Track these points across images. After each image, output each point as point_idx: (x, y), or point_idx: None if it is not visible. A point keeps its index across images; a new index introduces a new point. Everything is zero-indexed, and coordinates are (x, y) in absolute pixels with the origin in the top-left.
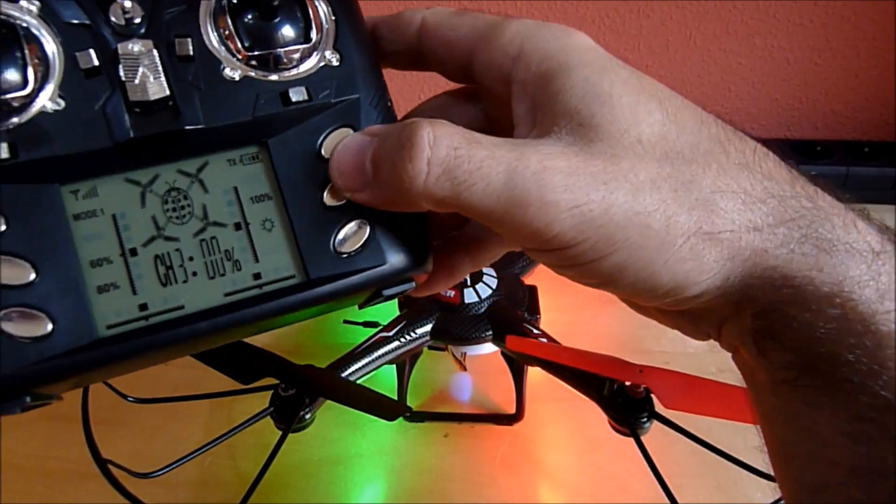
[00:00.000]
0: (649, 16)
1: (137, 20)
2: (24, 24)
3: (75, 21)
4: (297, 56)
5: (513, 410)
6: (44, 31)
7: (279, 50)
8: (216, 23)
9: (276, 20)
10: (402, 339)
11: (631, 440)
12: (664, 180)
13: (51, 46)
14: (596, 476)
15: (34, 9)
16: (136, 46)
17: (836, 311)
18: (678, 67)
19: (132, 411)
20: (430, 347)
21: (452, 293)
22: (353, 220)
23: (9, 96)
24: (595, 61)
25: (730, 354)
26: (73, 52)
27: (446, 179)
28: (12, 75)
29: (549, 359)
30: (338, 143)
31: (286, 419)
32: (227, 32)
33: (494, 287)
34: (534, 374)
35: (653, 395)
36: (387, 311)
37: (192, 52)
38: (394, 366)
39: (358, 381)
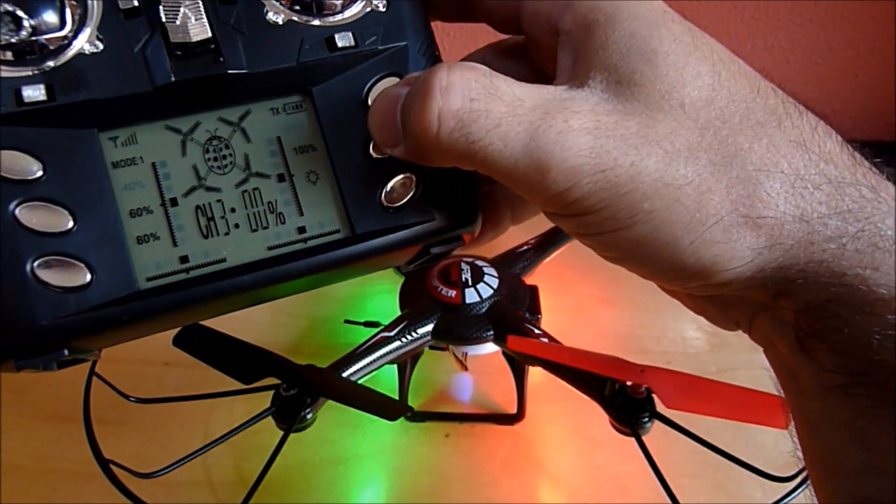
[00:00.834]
0: None
1: None
2: None
3: None
4: (342, 1)
5: (514, 410)
6: None
7: None
8: None
9: None
10: (404, 339)
11: (632, 440)
12: (703, 150)
13: None
14: (597, 476)
15: None
16: None
17: (894, 318)
18: None
19: (133, 411)
20: (431, 347)
21: (453, 293)
22: (400, 174)
23: (46, 37)
24: (646, 14)
25: (722, 355)
26: None
27: (460, 135)
28: (49, 16)
29: (551, 359)
30: (380, 93)
31: (287, 419)
32: None
33: (496, 287)
34: (535, 373)
35: (654, 395)
36: (388, 311)
37: None
38: (395, 366)
39: (359, 381)
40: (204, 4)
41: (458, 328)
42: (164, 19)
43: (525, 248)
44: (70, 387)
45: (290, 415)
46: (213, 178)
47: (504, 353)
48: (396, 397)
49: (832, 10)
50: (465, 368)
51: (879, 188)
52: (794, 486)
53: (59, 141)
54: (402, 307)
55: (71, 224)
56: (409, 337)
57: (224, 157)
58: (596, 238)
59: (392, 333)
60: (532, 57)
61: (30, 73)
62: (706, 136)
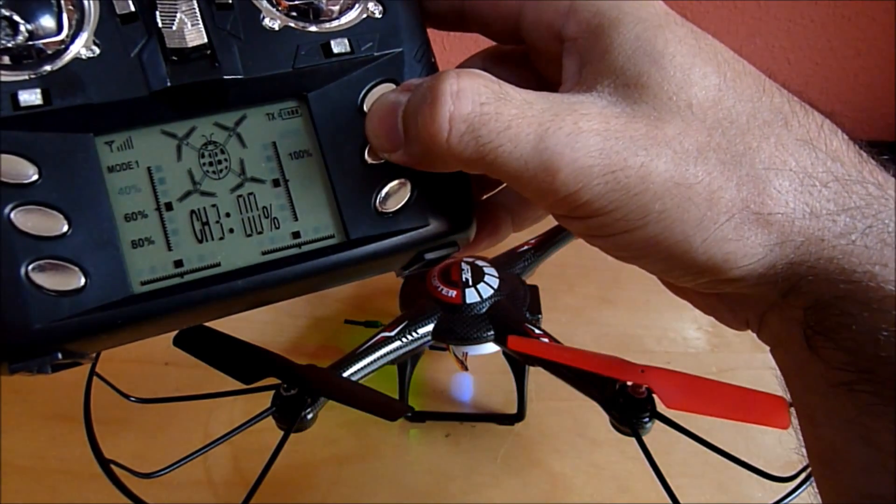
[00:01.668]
0: None
1: None
2: None
3: None
4: (338, 7)
5: (514, 410)
6: None
7: (320, 0)
8: None
9: None
10: (404, 340)
11: (632, 440)
12: (713, 150)
13: None
14: (597, 476)
15: None
16: None
17: None
18: None
19: (133, 411)
20: (431, 347)
21: (454, 293)
22: (395, 180)
23: (42, 42)
24: (650, 17)
25: (722, 355)
26: None
27: (470, 138)
28: (46, 21)
29: (551, 359)
30: (377, 98)
31: (288, 419)
32: None
33: (496, 287)
34: (535, 374)
35: (654, 395)
36: (388, 311)
37: (230, 0)
38: (395, 366)
39: (359, 381)
40: (200, 10)
41: (458, 328)
42: (160, 24)
43: (525, 248)
44: (70, 386)
45: (290, 415)
46: (208, 182)
47: (504, 353)
48: (397, 397)
49: (832, 10)
50: (466, 368)
51: (886, 185)
52: (794, 486)
53: (54, 145)
54: (402, 307)
55: (66, 228)
56: (410, 337)
57: (219, 161)
58: (607, 239)
59: (392, 333)
60: (534, 64)
61: (26, 78)
62: (715, 136)
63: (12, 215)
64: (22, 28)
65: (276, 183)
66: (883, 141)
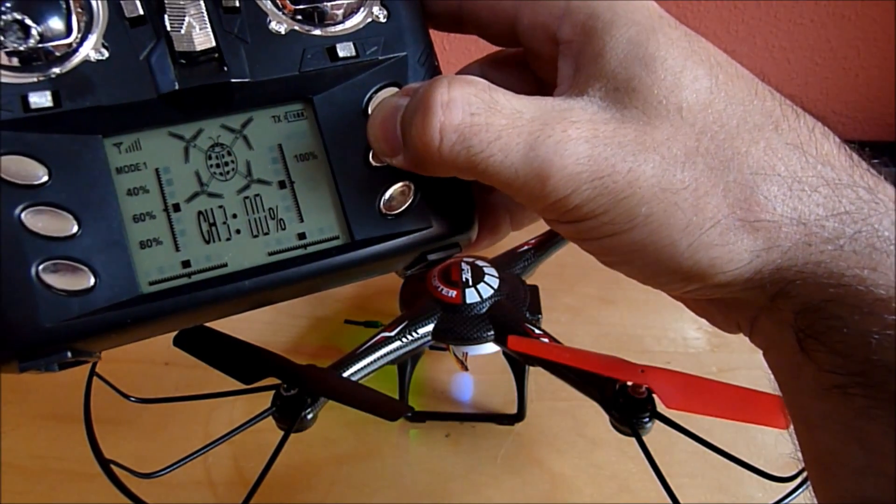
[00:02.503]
0: None
1: None
2: None
3: None
4: (343, 11)
5: (514, 410)
6: None
7: (326, 4)
8: None
9: None
10: (404, 340)
11: (633, 440)
12: (701, 155)
13: None
14: (597, 476)
15: None
16: None
17: (893, 318)
18: None
19: (133, 411)
20: (431, 347)
21: (454, 293)
22: (399, 182)
23: (52, 44)
24: (643, 20)
25: (722, 355)
26: (117, 1)
27: (461, 148)
28: (56, 23)
29: (551, 359)
30: (380, 102)
31: (288, 419)
32: None
33: (496, 287)
34: (535, 374)
35: (654, 395)
36: (388, 311)
37: (237, 4)
38: (395, 366)
39: (359, 382)
40: (208, 14)
41: (458, 328)
42: (168, 28)
43: (525, 248)
44: (70, 387)
45: (290, 415)
46: (215, 184)
47: (504, 353)
48: (397, 397)
49: (832, 10)
50: (466, 368)
51: (877, 189)
52: (794, 487)
53: (64, 146)
54: (402, 307)
55: (75, 229)
56: (410, 337)
57: (226, 163)
58: (595, 243)
59: (392, 333)
60: (532, 66)
61: (36, 80)
62: (703, 141)
63: (23, 216)
64: (32, 31)
65: (281, 185)
66: (883, 141)
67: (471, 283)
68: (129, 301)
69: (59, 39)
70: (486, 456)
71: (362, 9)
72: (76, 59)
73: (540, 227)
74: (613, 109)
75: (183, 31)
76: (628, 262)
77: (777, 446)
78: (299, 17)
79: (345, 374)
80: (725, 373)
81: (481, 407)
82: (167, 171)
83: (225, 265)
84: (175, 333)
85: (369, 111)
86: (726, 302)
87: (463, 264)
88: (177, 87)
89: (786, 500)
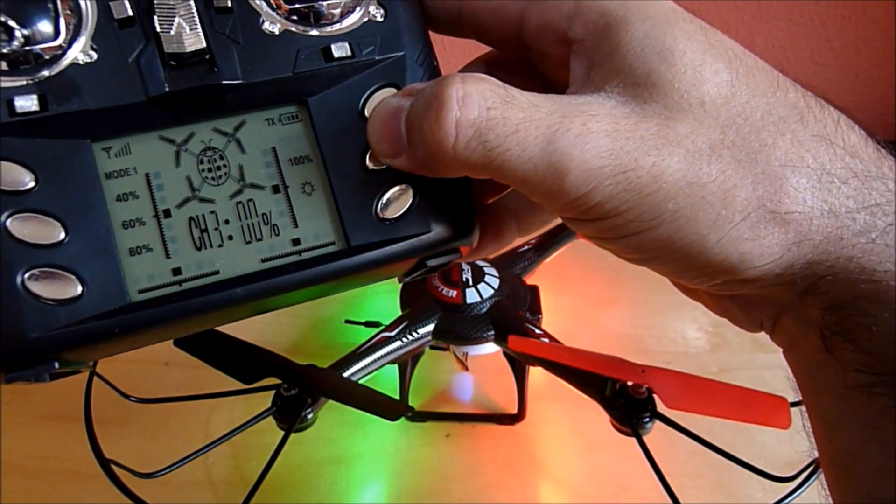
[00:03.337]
0: None
1: None
2: None
3: None
4: (339, 11)
5: (514, 410)
6: None
7: (321, 3)
8: None
9: None
10: (404, 339)
11: (633, 440)
12: (726, 148)
13: None
14: (598, 476)
15: None
16: None
17: None
18: None
19: (134, 411)
20: (431, 347)
21: (454, 293)
22: (396, 186)
23: (39, 47)
24: (658, 15)
25: (723, 355)
26: (106, 2)
27: (477, 143)
28: (44, 26)
29: (551, 359)
30: (378, 103)
31: (288, 419)
32: None
33: (496, 287)
34: (535, 373)
35: (655, 395)
36: (388, 311)
37: (229, 4)
38: (395, 366)
39: (360, 381)
40: (199, 14)
41: (458, 328)
42: (158, 29)
43: (526, 247)
44: (70, 387)
45: (290, 415)
46: (207, 189)
47: (505, 353)
48: (397, 397)
49: (832, 10)
50: (466, 368)
51: None
52: (794, 487)
53: (51, 151)
54: (402, 307)
55: (62, 235)
56: (410, 337)
57: (218, 167)
58: (619, 241)
59: (393, 333)
60: (539, 68)
61: (23, 83)
62: (728, 134)
63: (8, 223)
64: (17, 34)
65: (275, 189)
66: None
67: (471, 283)
68: (117, 310)
69: (47, 42)
70: (486, 456)
71: (359, 8)
72: (64, 61)
73: None
74: (633, 104)
75: (172, 32)
76: (655, 258)
77: (777, 446)
78: (294, 16)
79: (345, 374)
80: (726, 373)
81: (481, 407)
82: (157, 176)
83: (217, 272)
84: None
85: (366, 113)
86: (750, 299)
87: (463, 264)
88: (167, 90)
89: (786, 500)
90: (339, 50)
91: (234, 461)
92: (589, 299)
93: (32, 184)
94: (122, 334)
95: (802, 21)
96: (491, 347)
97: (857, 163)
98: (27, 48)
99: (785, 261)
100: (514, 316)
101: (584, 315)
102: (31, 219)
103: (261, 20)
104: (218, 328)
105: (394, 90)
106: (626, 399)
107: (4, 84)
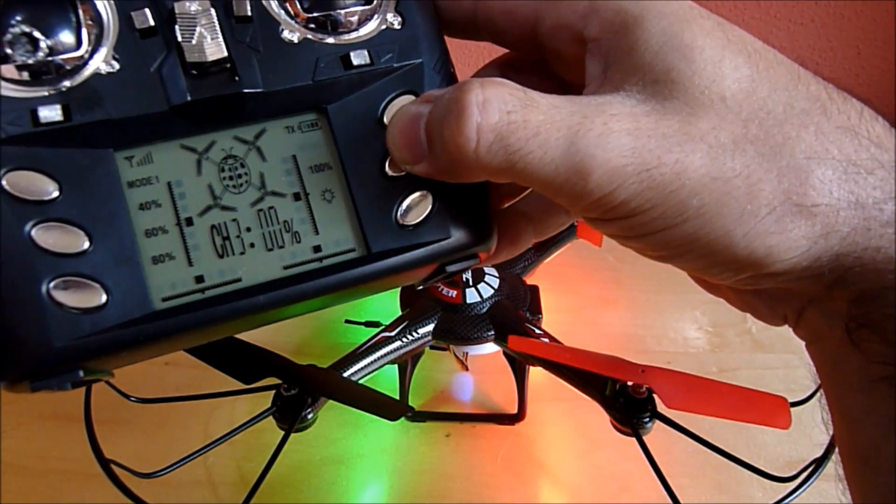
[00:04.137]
0: None
1: None
2: None
3: None
4: (357, 18)
5: (514, 410)
6: None
7: (339, 12)
8: None
9: None
10: (404, 339)
11: (633, 440)
12: (750, 142)
13: (105, 6)
14: (598, 476)
15: None
16: (193, 5)
17: None
18: None
19: (134, 411)
20: (431, 347)
21: (454, 293)
22: (416, 192)
23: (62, 57)
24: (675, 11)
25: (723, 355)
26: (128, 12)
27: (499, 147)
28: (66, 36)
29: (551, 359)
30: (397, 110)
31: (288, 419)
32: None
33: (496, 287)
34: (535, 373)
35: (655, 395)
36: (389, 310)
37: (249, 13)
38: (395, 366)
39: (360, 381)
40: (220, 23)
41: (458, 328)
42: (180, 39)
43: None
44: None
45: (291, 415)
46: (228, 197)
47: (505, 353)
48: (397, 397)
49: (832, 10)
50: (466, 368)
51: None
52: (794, 487)
53: (75, 161)
54: (402, 307)
55: (87, 245)
56: (410, 337)
57: (239, 175)
58: (644, 239)
59: (393, 333)
60: (554, 69)
61: (46, 94)
62: (751, 128)
63: (33, 232)
64: (42, 45)
65: (296, 196)
66: None
67: (471, 283)
68: (141, 318)
69: (69, 52)
70: (486, 456)
71: (376, 16)
72: (86, 71)
73: None
74: (653, 102)
75: (194, 42)
76: (680, 255)
77: (777, 446)
78: (312, 25)
79: (345, 374)
80: (726, 373)
81: (481, 407)
82: (179, 185)
83: (239, 280)
84: None
85: (385, 120)
86: (775, 293)
87: None
88: (188, 99)
89: (786, 500)
90: (358, 58)
91: (234, 461)
92: (589, 299)
93: (56, 193)
94: (147, 342)
95: (802, 21)
96: (491, 347)
97: (883, 153)
98: (50, 58)
99: (812, 253)
100: (514, 316)
101: (584, 315)
102: (55, 228)
103: (280, 29)
104: None
105: (412, 97)
106: (627, 399)
107: (28, 94)
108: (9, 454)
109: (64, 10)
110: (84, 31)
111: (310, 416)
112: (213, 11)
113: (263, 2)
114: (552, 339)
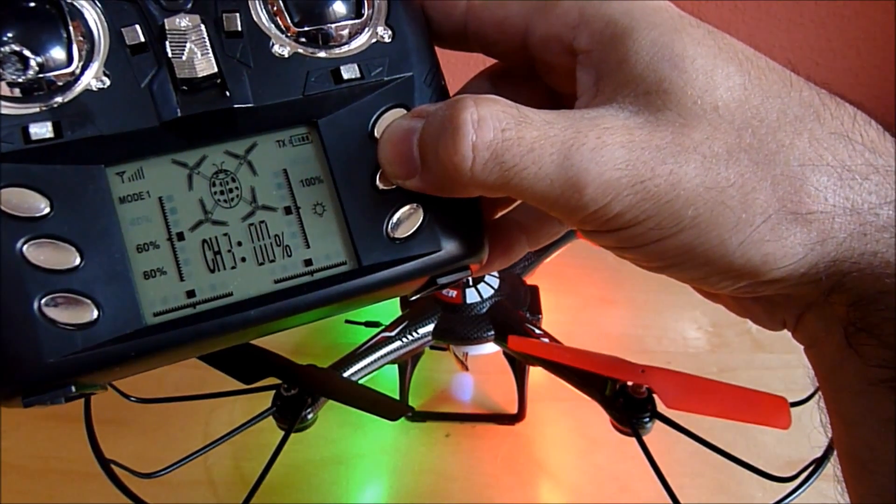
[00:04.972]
0: None
1: None
2: (69, 0)
3: None
4: (347, 32)
5: (514, 410)
6: (88, 7)
7: (330, 26)
8: None
9: None
10: (404, 339)
11: (633, 440)
12: (744, 151)
13: (96, 22)
14: (598, 476)
15: None
16: (183, 21)
17: None
18: None
19: (134, 411)
20: (431, 347)
21: (454, 293)
22: (407, 205)
23: (53, 74)
24: (665, 21)
25: (723, 355)
26: (118, 28)
27: (494, 164)
28: (57, 53)
29: (551, 359)
30: (388, 125)
31: (288, 419)
32: (275, 8)
33: (496, 287)
34: (535, 374)
35: (655, 395)
36: (389, 310)
37: (240, 28)
38: (395, 366)
39: (360, 381)
40: (210, 39)
41: (458, 328)
42: (170, 55)
43: None
44: None
45: (291, 415)
46: (219, 211)
47: (505, 353)
48: (397, 397)
49: (832, 10)
50: (466, 368)
51: None
52: (794, 487)
53: (66, 177)
54: (402, 307)
55: (78, 261)
56: (410, 337)
57: (230, 190)
58: (640, 250)
59: (393, 333)
60: (545, 79)
61: (37, 110)
62: (745, 137)
63: (24, 249)
64: (32, 62)
65: (287, 210)
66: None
67: (471, 283)
68: (133, 333)
69: (60, 69)
70: (486, 456)
71: (367, 29)
72: (78, 88)
73: None
74: (646, 113)
75: (184, 58)
76: (676, 265)
77: (777, 446)
78: (303, 39)
79: (345, 374)
80: (726, 373)
81: (482, 407)
82: (171, 200)
83: (230, 294)
84: None
85: (376, 133)
86: (773, 299)
87: None
88: (179, 115)
89: (786, 501)
90: (349, 72)
91: (234, 461)
92: (589, 299)
93: (48, 210)
94: (138, 357)
95: (802, 21)
96: (491, 347)
97: (878, 158)
98: (41, 75)
99: (809, 260)
100: (514, 316)
101: (584, 315)
102: (46, 245)
103: (271, 43)
104: None
105: (403, 110)
106: (626, 399)
107: (20, 111)
108: (9, 454)
109: (55, 27)
110: (75, 48)
111: (310, 416)
112: (203, 27)
113: (254, 17)
114: (552, 339)
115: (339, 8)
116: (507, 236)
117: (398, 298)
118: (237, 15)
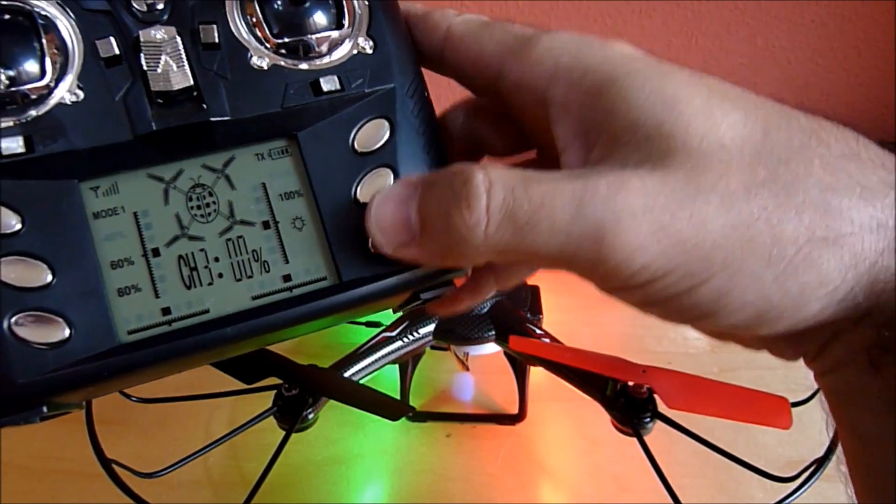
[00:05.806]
0: (651, 16)
1: (160, 6)
2: (42, 12)
3: (95, 7)
4: (328, 43)
5: (515, 410)
6: (62, 19)
7: (310, 37)
8: (243, 9)
9: (307, 5)
10: (405, 339)
11: (633, 440)
12: (761, 185)
13: (69, 35)
14: (598, 476)
15: None
16: (158, 33)
17: None
18: None
19: (134, 411)
20: (432, 347)
21: None
22: None
23: (25, 87)
24: (648, 67)
25: (723, 355)
26: (92, 40)
27: (508, 224)
28: (29, 65)
29: (552, 359)
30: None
31: (289, 419)
32: (254, 19)
33: None
34: (536, 374)
35: (655, 396)
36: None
37: (217, 40)
38: (396, 366)
39: (360, 381)
40: (186, 51)
41: (459, 328)
42: (145, 67)
43: None
44: None
45: (291, 415)
46: (196, 226)
47: (505, 354)
48: (398, 397)
49: (832, 10)
50: (467, 368)
51: None
52: (795, 487)
53: (38, 193)
54: None
55: (50, 278)
56: (411, 337)
57: (207, 204)
58: (669, 304)
59: (394, 333)
60: (517, 121)
61: (10, 124)
62: (758, 171)
63: None
64: (3, 76)
65: (265, 225)
66: (883, 141)
67: None
68: (106, 352)
69: (33, 82)
70: (487, 456)
71: (348, 40)
72: (51, 101)
73: None
74: (653, 160)
75: (159, 71)
76: (710, 315)
77: (777, 446)
78: (283, 50)
79: (346, 374)
80: (726, 373)
81: (482, 407)
82: (146, 215)
83: (207, 311)
84: None
85: (356, 146)
86: (802, 331)
87: None
88: (154, 128)
89: (786, 501)
90: (329, 83)
91: (235, 461)
92: (589, 299)
93: (19, 226)
94: (112, 376)
95: (802, 21)
96: (491, 347)
97: (889, 174)
98: (13, 89)
99: (845, 286)
100: (514, 316)
101: (584, 315)
102: (17, 262)
103: (249, 55)
104: None
105: (384, 122)
106: (627, 399)
107: None
108: (9, 454)
109: (27, 40)
110: (48, 61)
111: (310, 417)
112: (178, 39)
113: (232, 29)
114: (553, 339)
115: (320, 19)
116: (476, 277)
117: None
118: (214, 26)
